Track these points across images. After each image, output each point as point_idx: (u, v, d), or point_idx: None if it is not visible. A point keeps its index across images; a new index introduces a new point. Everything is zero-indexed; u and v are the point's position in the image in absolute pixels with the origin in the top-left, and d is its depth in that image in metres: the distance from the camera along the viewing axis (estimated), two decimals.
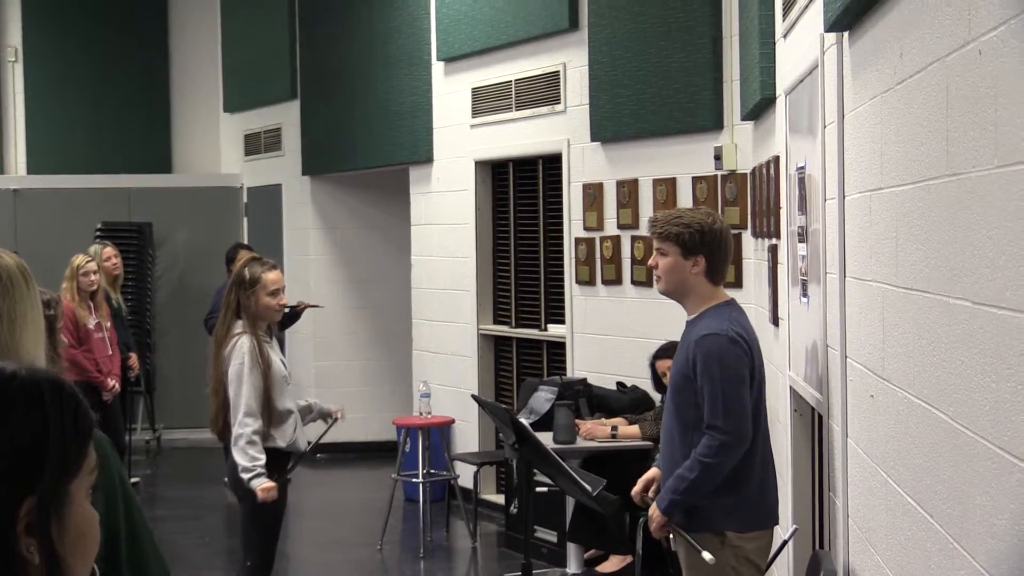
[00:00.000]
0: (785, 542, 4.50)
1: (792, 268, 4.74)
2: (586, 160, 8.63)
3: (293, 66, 12.12)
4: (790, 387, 4.88)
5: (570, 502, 6.72)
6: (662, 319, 7.60)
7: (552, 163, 9.09)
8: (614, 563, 7.69)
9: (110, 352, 9.19)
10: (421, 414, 9.09)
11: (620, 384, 8.19)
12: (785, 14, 4.99)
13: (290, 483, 6.03)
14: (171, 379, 12.82)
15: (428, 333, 10.39)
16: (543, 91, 9.00)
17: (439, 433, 9.32)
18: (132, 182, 13.22)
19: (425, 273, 10.44)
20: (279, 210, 12.60)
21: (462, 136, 9.86)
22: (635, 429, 7.37)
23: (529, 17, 9.00)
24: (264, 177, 12.89)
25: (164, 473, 11.73)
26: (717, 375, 4.26)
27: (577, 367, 8.67)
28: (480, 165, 9.74)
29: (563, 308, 8.93)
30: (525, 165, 9.47)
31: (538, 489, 7.17)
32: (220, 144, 13.98)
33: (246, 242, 11.82)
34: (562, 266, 8.94)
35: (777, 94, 5.46)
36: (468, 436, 9.81)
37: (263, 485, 5.57)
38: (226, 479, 5.87)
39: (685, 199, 7.73)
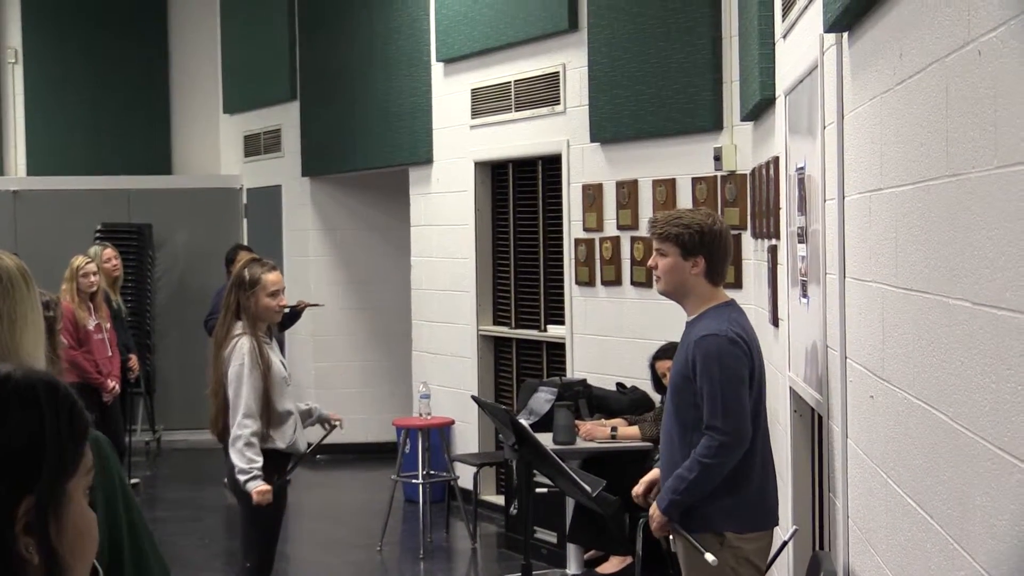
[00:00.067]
0: (785, 543, 4.50)
1: (792, 269, 4.74)
2: (585, 161, 8.63)
3: (293, 67, 12.13)
4: (790, 388, 4.88)
5: (570, 503, 6.72)
6: (662, 320, 7.60)
7: (552, 164, 9.09)
8: (614, 564, 7.69)
9: (110, 353, 9.19)
10: (421, 415, 9.09)
11: (620, 385, 8.19)
12: (784, 15, 4.99)
13: (290, 484, 6.03)
14: (171, 380, 12.82)
15: (428, 334, 10.39)
16: (543, 92, 9.00)
17: (439, 434, 9.32)
18: (132, 183, 13.22)
19: (425, 274, 10.45)
20: (279, 211, 12.60)
21: (462, 137, 9.87)
22: (635, 430, 7.37)
23: (528, 18, 9.00)
24: (264, 178, 12.90)
25: (164, 474, 11.73)
26: (716, 376, 4.26)
27: (577, 368, 8.67)
28: (480, 166, 9.75)
29: (563, 309, 8.93)
30: (524, 166, 9.47)
31: (538, 490, 7.18)
32: (220, 145, 13.98)
33: (246, 243, 11.82)
34: (562, 267, 8.94)
35: (777, 95, 5.46)
36: (468, 437, 9.81)
37: (259, 488, 5.57)
38: (226, 480, 5.86)
39: (685, 200, 7.74)
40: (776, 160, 5.33)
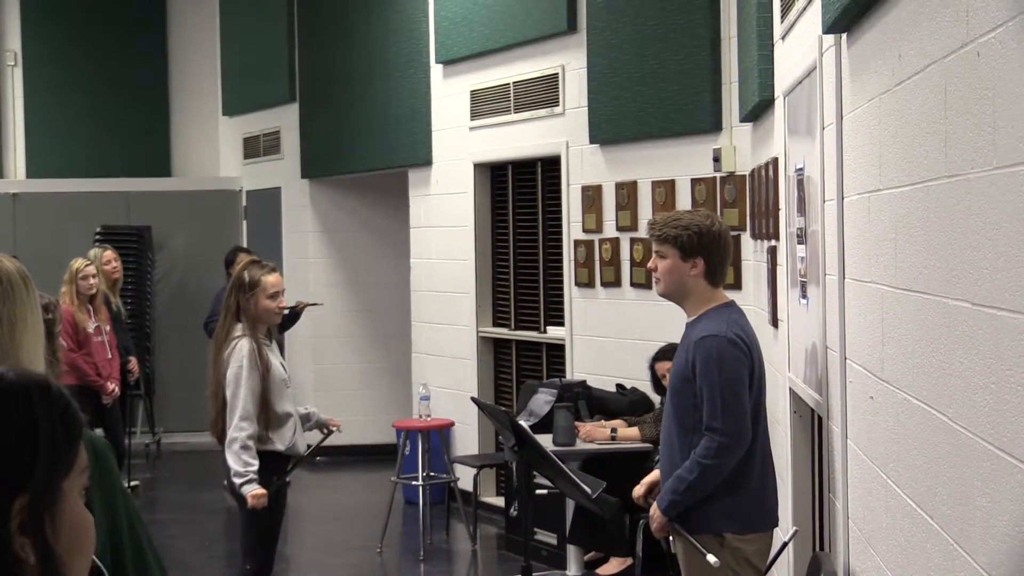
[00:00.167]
0: (785, 544, 4.50)
1: (791, 270, 4.74)
2: (585, 162, 8.63)
3: (292, 69, 12.13)
4: (789, 389, 4.88)
5: (570, 504, 6.72)
6: (661, 321, 7.60)
7: (551, 165, 9.09)
8: (614, 565, 7.69)
9: (109, 356, 9.19)
10: (421, 417, 9.09)
11: (619, 386, 8.19)
12: (783, 16, 4.99)
13: (289, 486, 6.03)
14: (170, 382, 12.82)
15: (427, 335, 10.39)
16: (542, 93, 9.00)
17: (439, 436, 9.32)
18: (131, 186, 13.22)
19: (424, 275, 10.45)
20: (278, 213, 12.60)
21: (461, 138, 9.87)
22: (634, 431, 7.37)
23: (527, 19, 9.00)
24: (263, 180, 12.90)
25: (164, 477, 11.73)
26: (716, 377, 4.26)
27: (576, 369, 8.67)
28: (479, 167, 9.75)
29: (562, 310, 8.93)
30: (524, 167, 9.47)
31: (538, 491, 7.18)
32: (219, 147, 13.98)
33: (245, 245, 11.83)
34: (561, 268, 8.94)
35: (776, 96, 5.46)
36: (468, 439, 9.81)
37: (254, 491, 5.56)
38: (225, 483, 5.86)
39: (684, 201, 7.74)
40: (775, 161, 5.33)
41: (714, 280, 4.43)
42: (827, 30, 3.56)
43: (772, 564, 4.46)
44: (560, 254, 8.95)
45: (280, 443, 5.73)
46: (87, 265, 9.18)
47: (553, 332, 9.18)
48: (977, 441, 2.17)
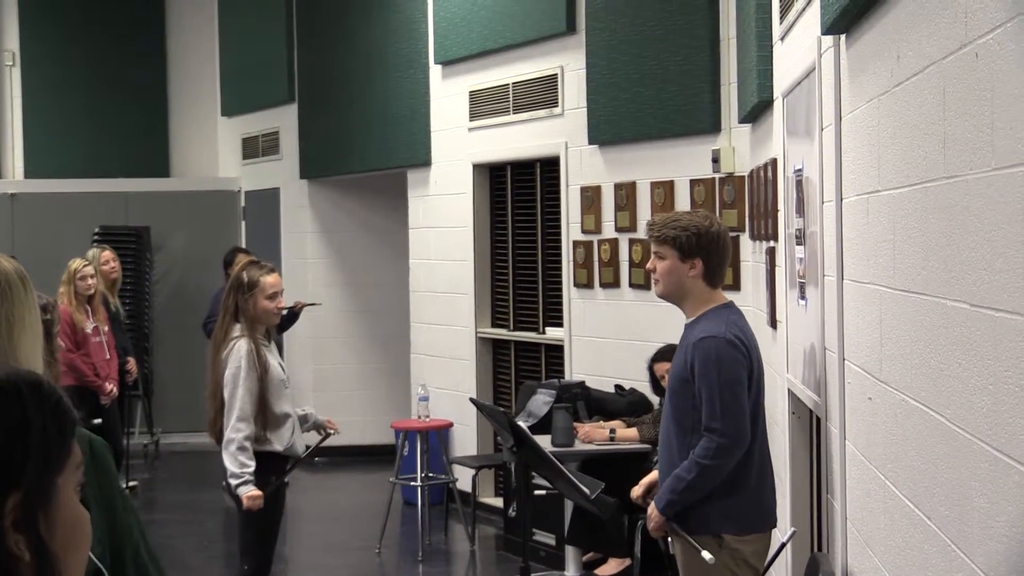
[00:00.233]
0: (783, 545, 4.50)
1: (790, 271, 4.74)
2: (584, 163, 8.63)
3: (291, 70, 12.13)
4: (788, 390, 4.88)
5: (569, 505, 6.72)
6: (660, 322, 7.60)
7: (550, 166, 9.09)
8: (613, 566, 7.69)
9: (108, 356, 9.19)
10: (419, 417, 9.09)
11: (618, 387, 8.19)
12: (782, 17, 4.99)
13: (288, 486, 6.03)
14: (169, 383, 12.82)
15: (426, 336, 10.39)
16: (541, 94, 9.00)
17: (437, 436, 9.32)
18: (130, 186, 13.22)
19: (423, 276, 10.44)
20: (277, 214, 12.60)
21: (460, 139, 9.87)
22: (633, 432, 7.37)
23: (526, 20, 9.00)
24: (262, 181, 12.89)
25: (162, 477, 11.72)
26: (715, 377, 4.26)
27: (575, 370, 8.67)
28: (478, 168, 9.75)
29: (561, 311, 8.93)
30: (523, 168, 9.47)
31: (536, 492, 7.18)
32: (218, 148, 13.98)
33: (244, 246, 11.83)
34: (560, 269, 8.94)
35: (774, 97, 5.46)
36: (466, 439, 9.81)
37: (249, 493, 5.56)
38: (224, 483, 5.86)
39: (683, 202, 7.74)
40: (774, 162, 5.33)
41: (713, 281, 4.43)
42: (826, 31, 3.56)
43: (770, 565, 4.46)
44: (559, 255, 8.95)
45: (278, 444, 5.73)
46: (85, 265, 9.18)
47: (552, 333, 9.18)
48: (975, 442, 2.17)
